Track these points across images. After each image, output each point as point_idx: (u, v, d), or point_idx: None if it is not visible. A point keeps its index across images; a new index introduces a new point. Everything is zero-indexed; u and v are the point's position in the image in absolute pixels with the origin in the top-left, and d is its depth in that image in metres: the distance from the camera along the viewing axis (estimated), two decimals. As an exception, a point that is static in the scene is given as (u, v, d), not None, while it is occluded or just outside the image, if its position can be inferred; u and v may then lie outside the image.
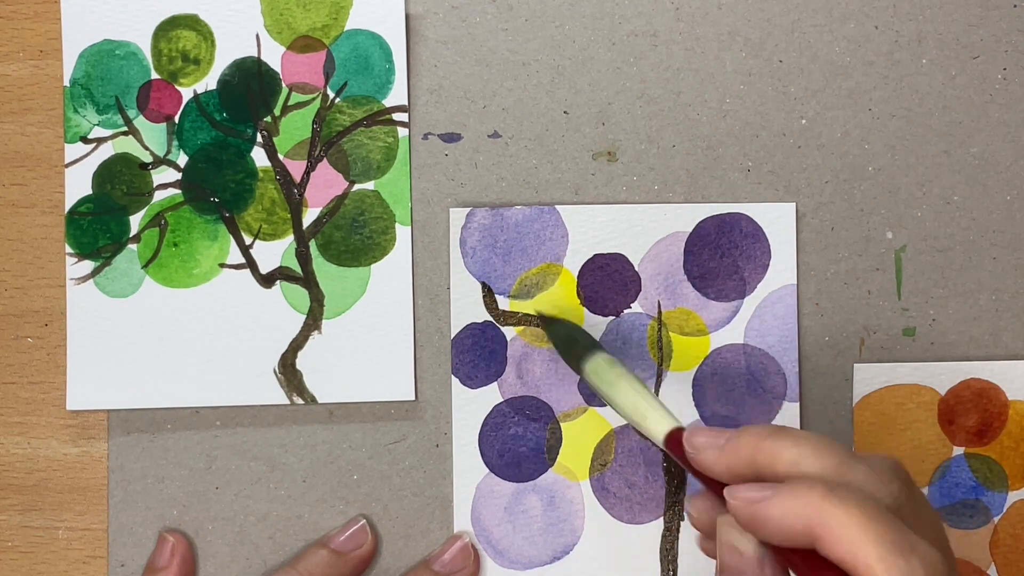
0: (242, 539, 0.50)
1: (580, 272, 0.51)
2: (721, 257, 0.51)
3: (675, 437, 0.41)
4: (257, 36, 0.50)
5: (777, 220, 0.51)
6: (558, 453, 0.51)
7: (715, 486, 0.39)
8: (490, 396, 0.50)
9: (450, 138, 0.51)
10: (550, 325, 0.49)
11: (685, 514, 0.46)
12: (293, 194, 0.50)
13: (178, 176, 0.50)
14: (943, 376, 0.51)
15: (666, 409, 0.42)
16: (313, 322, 0.50)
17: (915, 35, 0.52)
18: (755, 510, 0.36)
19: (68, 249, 0.50)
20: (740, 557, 0.37)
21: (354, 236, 0.50)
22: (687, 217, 0.51)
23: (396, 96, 0.50)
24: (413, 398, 0.50)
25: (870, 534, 0.34)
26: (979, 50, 0.52)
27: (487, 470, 0.50)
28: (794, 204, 0.51)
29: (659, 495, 0.50)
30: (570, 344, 0.47)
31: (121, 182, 0.50)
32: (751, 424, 0.50)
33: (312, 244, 0.50)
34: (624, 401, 0.43)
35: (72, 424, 0.50)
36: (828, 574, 0.35)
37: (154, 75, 0.50)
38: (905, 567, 0.33)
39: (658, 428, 0.42)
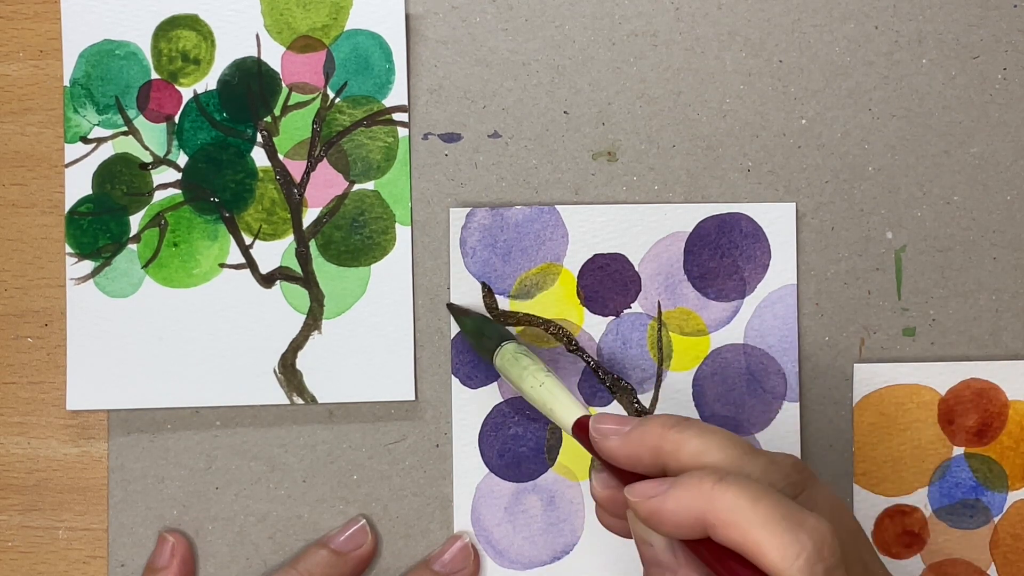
0: (242, 539, 0.50)
1: (580, 272, 0.51)
2: (721, 257, 0.51)
3: (582, 424, 0.41)
4: (257, 36, 0.50)
5: (777, 220, 0.51)
6: (558, 453, 0.51)
7: (621, 475, 0.40)
8: (490, 396, 0.50)
9: (450, 138, 0.51)
10: (459, 317, 0.49)
11: (589, 485, 0.45)
12: (293, 194, 0.50)
13: (178, 176, 0.50)
14: (943, 376, 0.51)
15: (574, 398, 0.43)
16: (313, 322, 0.50)
17: (915, 35, 0.52)
18: (651, 506, 0.37)
19: (68, 249, 0.50)
20: (652, 548, 0.38)
21: (354, 236, 0.50)
22: (687, 217, 0.51)
23: (396, 96, 0.50)
24: (413, 398, 0.50)
25: (757, 514, 0.34)
26: (979, 50, 0.52)
27: (487, 470, 0.50)
28: (794, 204, 0.51)
29: (659, 495, 0.50)
30: (478, 336, 0.48)
31: (121, 182, 0.50)
32: (750, 419, 0.50)
33: (312, 244, 0.50)
34: (532, 391, 0.44)
35: (72, 424, 0.50)
36: (732, 562, 0.35)
37: (154, 75, 0.50)
38: (793, 541, 0.34)
39: (566, 416, 0.42)
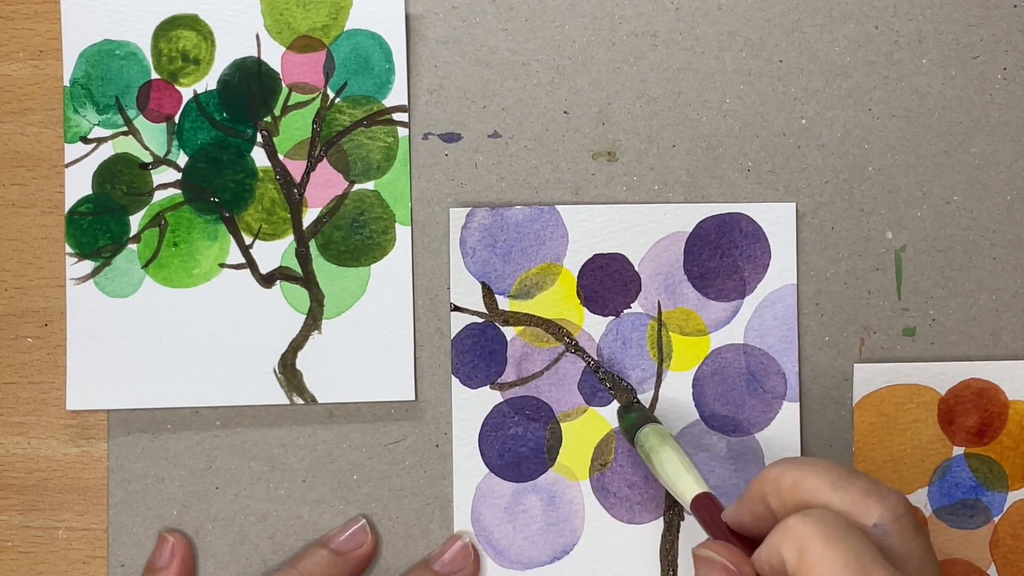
0: (242, 539, 0.50)
1: (580, 272, 0.51)
2: (721, 257, 0.51)
3: (702, 501, 0.43)
4: (257, 36, 0.50)
5: (777, 220, 0.51)
6: (558, 453, 0.51)
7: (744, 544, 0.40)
8: (490, 396, 0.50)
9: (450, 138, 0.51)
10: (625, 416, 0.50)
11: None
12: (293, 194, 0.50)
13: (178, 176, 0.50)
14: (943, 376, 0.51)
15: (696, 475, 0.44)
16: (313, 322, 0.50)
17: (915, 35, 0.52)
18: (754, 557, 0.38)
19: (68, 249, 0.50)
20: None
21: (354, 236, 0.50)
22: (687, 217, 0.51)
23: (396, 96, 0.50)
24: (413, 398, 0.50)
25: (825, 558, 0.34)
26: (979, 50, 0.52)
27: (487, 470, 0.50)
28: (794, 204, 0.51)
29: (659, 495, 0.50)
30: (626, 421, 0.49)
31: (121, 182, 0.50)
32: (750, 419, 0.50)
33: (312, 244, 0.50)
34: (658, 468, 0.45)
35: (72, 424, 0.50)
36: None
37: (154, 75, 0.50)
38: None
39: (686, 492, 0.44)
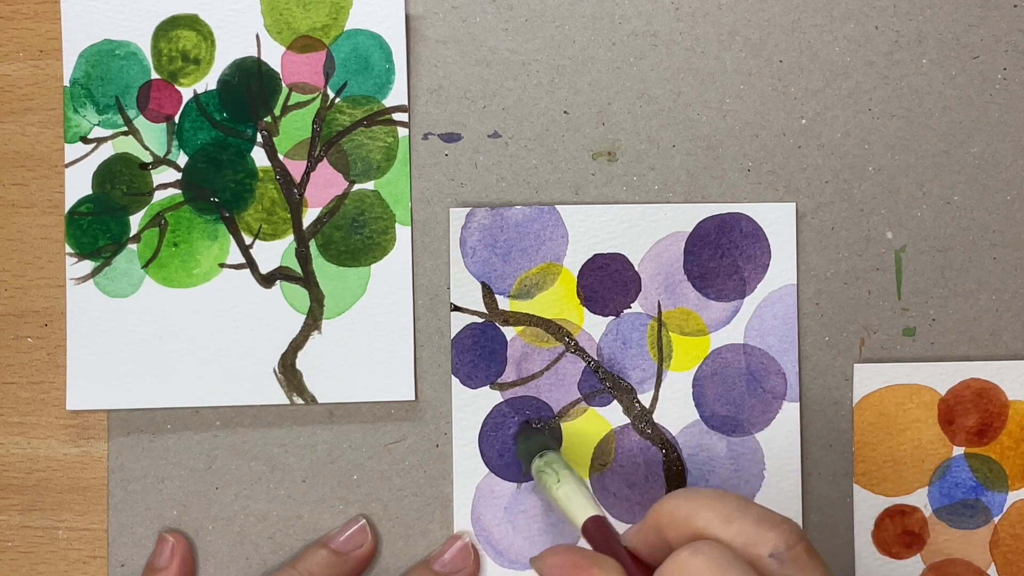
0: (242, 539, 0.50)
1: (580, 272, 0.51)
2: (721, 257, 0.51)
3: (596, 522, 0.42)
4: (257, 36, 0.50)
5: (777, 220, 0.51)
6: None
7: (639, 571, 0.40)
8: (490, 396, 0.50)
9: (450, 138, 0.51)
10: (524, 438, 0.50)
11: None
12: (293, 194, 0.50)
13: (178, 176, 0.50)
14: (943, 376, 0.51)
15: (591, 499, 0.43)
16: (313, 322, 0.50)
17: (915, 35, 0.52)
18: None
19: (68, 249, 0.50)
20: None
21: (354, 236, 0.50)
22: (687, 217, 0.51)
23: (396, 96, 0.50)
24: (413, 398, 0.50)
25: None
26: (979, 50, 0.52)
27: (487, 470, 0.50)
28: (794, 204, 0.51)
29: (659, 495, 0.50)
30: (524, 447, 0.49)
31: (121, 182, 0.50)
32: (750, 419, 0.51)
33: (312, 244, 0.50)
34: (550, 491, 0.45)
35: (72, 424, 0.50)
36: None
37: (154, 75, 0.50)
38: None
39: (578, 516, 0.43)
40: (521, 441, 0.49)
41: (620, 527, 0.50)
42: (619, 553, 0.40)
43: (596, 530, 0.41)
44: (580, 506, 0.43)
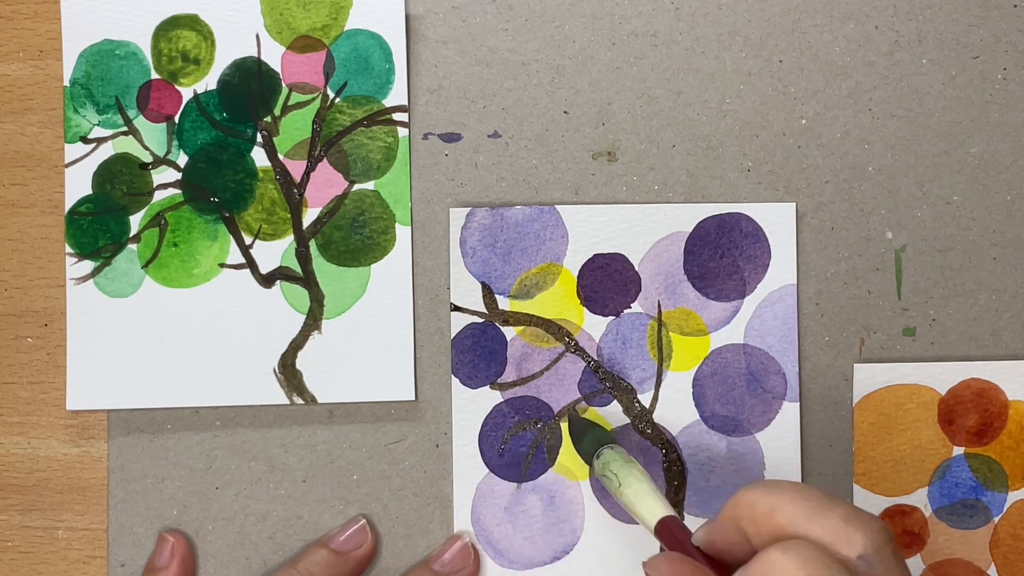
0: (242, 539, 0.50)
1: (580, 272, 0.51)
2: (721, 257, 0.51)
3: (666, 524, 0.41)
4: (257, 36, 0.50)
5: (777, 220, 0.51)
6: (558, 453, 0.51)
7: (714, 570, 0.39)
8: (490, 396, 0.50)
9: (450, 138, 0.51)
10: (577, 434, 0.50)
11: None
12: (293, 194, 0.50)
13: (178, 176, 0.50)
14: (943, 376, 0.51)
15: (661, 498, 0.43)
16: (313, 322, 0.50)
17: (915, 35, 0.52)
18: None
19: (68, 249, 0.50)
20: None
21: (354, 236, 0.50)
22: (687, 217, 0.51)
23: (396, 96, 0.50)
24: (413, 398, 0.50)
25: None
26: (979, 50, 0.52)
27: (487, 470, 0.50)
28: (794, 204, 0.51)
29: (659, 495, 0.50)
30: (580, 441, 0.49)
31: (121, 182, 0.50)
32: (750, 419, 0.50)
33: (312, 244, 0.50)
34: (619, 493, 0.45)
35: (72, 424, 0.50)
36: None
37: (154, 75, 0.50)
38: None
39: (649, 517, 0.42)
40: (576, 442, 0.49)
41: (621, 527, 0.50)
42: (691, 552, 0.39)
43: (669, 530, 0.41)
44: (648, 507, 0.43)
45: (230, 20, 0.50)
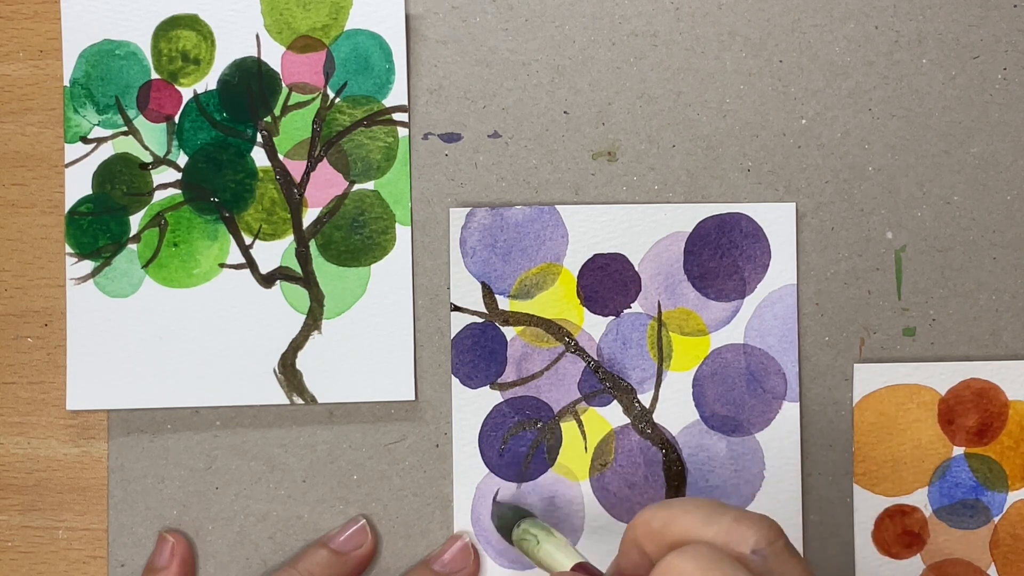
0: (242, 539, 0.50)
1: (580, 272, 0.51)
2: (721, 257, 0.51)
3: (580, 568, 0.42)
4: (257, 36, 0.50)
5: (777, 220, 0.51)
6: (558, 453, 0.51)
7: None
8: (490, 396, 0.50)
9: (450, 138, 0.51)
10: (500, 513, 0.50)
11: None
12: (293, 194, 0.50)
13: (178, 176, 0.50)
14: (943, 376, 0.51)
15: (572, 551, 0.44)
16: (313, 322, 0.50)
17: (915, 35, 0.52)
18: None
19: (68, 249, 0.50)
20: None
21: (354, 236, 0.50)
22: (687, 217, 0.51)
23: (396, 96, 0.50)
24: (413, 398, 0.50)
25: None
26: (979, 50, 0.52)
27: (487, 470, 0.50)
28: (794, 204, 0.51)
29: (659, 495, 0.50)
30: (503, 520, 0.49)
31: (121, 182, 0.50)
32: (750, 419, 0.51)
33: (312, 244, 0.50)
34: (532, 553, 0.46)
35: (72, 424, 0.50)
36: None
37: (154, 75, 0.50)
38: None
39: (563, 567, 0.43)
40: (496, 519, 0.49)
41: (621, 527, 0.50)
42: None
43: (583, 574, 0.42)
44: (561, 559, 0.44)
45: (230, 20, 0.50)
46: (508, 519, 0.48)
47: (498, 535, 0.50)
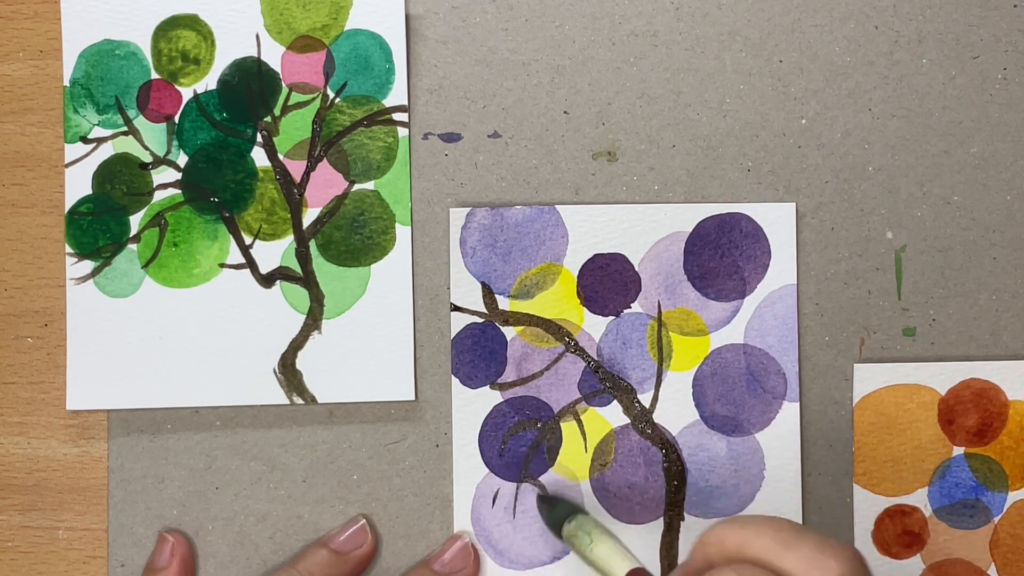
0: (242, 539, 0.50)
1: (580, 272, 0.51)
2: (721, 257, 0.51)
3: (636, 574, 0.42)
4: (257, 36, 0.50)
5: (777, 220, 0.51)
6: (558, 453, 0.51)
7: None
8: (490, 396, 0.50)
9: (450, 138, 0.51)
10: (548, 507, 0.50)
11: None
12: (293, 194, 0.50)
13: (178, 176, 0.50)
14: (943, 376, 0.51)
15: (627, 553, 0.44)
16: (313, 322, 0.50)
17: (915, 35, 0.52)
18: None
19: (68, 249, 0.50)
20: None
21: (354, 236, 0.50)
22: (687, 217, 0.51)
23: (396, 96, 0.50)
24: (413, 398, 0.50)
25: None
26: (979, 50, 0.52)
27: (487, 470, 0.50)
28: (794, 204, 0.51)
29: (659, 495, 0.50)
30: (551, 512, 0.49)
31: (121, 182, 0.50)
32: (750, 419, 0.50)
33: (312, 244, 0.50)
34: (587, 553, 0.45)
35: (72, 424, 0.50)
36: None
37: (154, 75, 0.50)
38: None
39: (618, 571, 0.43)
40: (547, 511, 0.49)
41: (619, 527, 0.50)
42: None
43: None
44: (617, 563, 0.43)
45: (230, 20, 0.50)
46: (559, 514, 0.47)
47: (498, 533, 0.50)
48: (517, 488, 0.50)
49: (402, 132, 0.50)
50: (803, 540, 0.35)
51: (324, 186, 0.50)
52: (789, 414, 0.51)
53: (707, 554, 0.36)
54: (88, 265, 0.50)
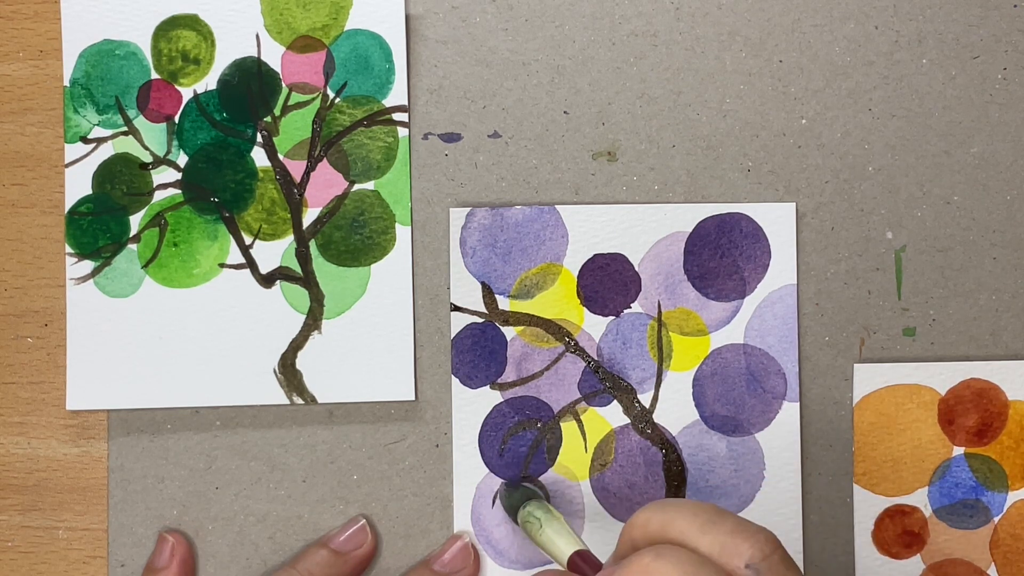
0: (242, 539, 0.50)
1: (580, 272, 0.51)
2: (721, 257, 0.51)
3: (579, 556, 0.42)
4: (257, 36, 0.50)
5: (777, 220, 0.51)
6: (558, 453, 0.51)
7: None
8: (490, 396, 0.50)
9: (450, 138, 0.51)
10: (508, 493, 0.50)
11: None
12: (293, 194, 0.50)
13: (178, 176, 0.50)
14: (943, 376, 0.51)
15: (573, 536, 0.44)
16: (313, 322, 0.50)
17: (915, 35, 0.52)
18: None
19: (68, 249, 0.50)
20: None
21: (354, 236, 0.50)
22: (687, 217, 0.51)
23: (396, 96, 0.50)
24: (413, 398, 0.50)
25: None
26: (979, 50, 0.52)
27: (487, 470, 0.50)
28: (794, 204, 0.51)
29: (659, 495, 0.50)
30: (509, 500, 0.49)
31: (121, 182, 0.50)
32: (750, 419, 0.51)
33: (312, 244, 0.50)
34: (536, 537, 0.46)
35: (72, 424, 0.50)
36: None
37: (154, 75, 0.50)
38: None
39: (562, 555, 0.43)
40: (505, 499, 0.49)
41: (619, 527, 0.50)
42: None
43: (580, 564, 0.42)
44: (563, 544, 0.43)
45: (230, 20, 0.50)
46: (515, 500, 0.48)
47: (498, 533, 0.50)
48: (518, 488, 0.50)
49: (402, 132, 0.50)
50: (720, 523, 0.36)
51: (324, 186, 0.50)
52: (789, 414, 0.51)
53: (632, 537, 0.38)
54: (88, 265, 0.50)
